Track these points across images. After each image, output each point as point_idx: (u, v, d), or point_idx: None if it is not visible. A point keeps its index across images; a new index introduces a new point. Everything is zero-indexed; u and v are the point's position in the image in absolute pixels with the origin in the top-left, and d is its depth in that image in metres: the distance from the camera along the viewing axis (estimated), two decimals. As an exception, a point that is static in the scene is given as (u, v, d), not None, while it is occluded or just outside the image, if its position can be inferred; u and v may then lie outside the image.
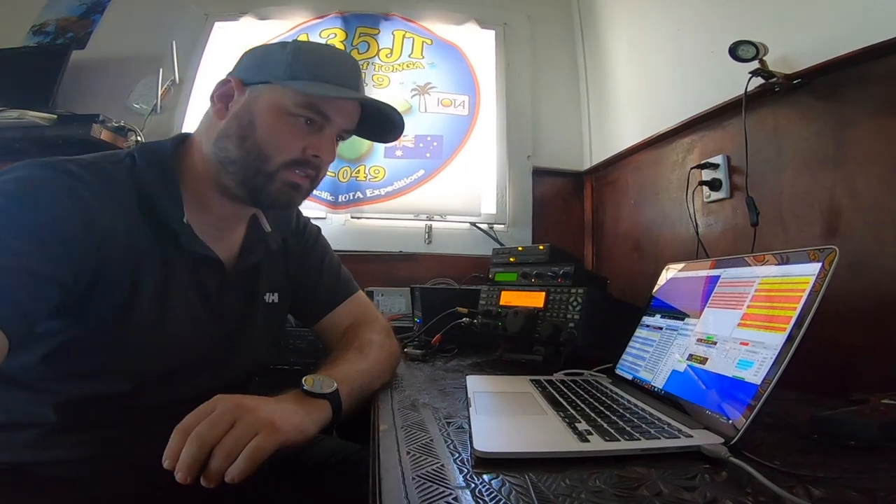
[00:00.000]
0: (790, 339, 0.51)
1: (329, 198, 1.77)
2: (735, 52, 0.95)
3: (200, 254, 0.70)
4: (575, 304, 0.89)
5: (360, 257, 1.76)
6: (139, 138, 1.67)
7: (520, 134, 1.94)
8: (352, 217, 1.80)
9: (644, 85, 1.59)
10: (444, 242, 1.86)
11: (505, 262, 1.12)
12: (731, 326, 0.60)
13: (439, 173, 1.83)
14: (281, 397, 0.59)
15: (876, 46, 0.82)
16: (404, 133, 1.87)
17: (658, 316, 0.77)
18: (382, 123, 0.78)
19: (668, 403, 0.64)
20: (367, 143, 1.82)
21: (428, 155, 1.84)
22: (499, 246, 1.81)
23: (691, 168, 1.21)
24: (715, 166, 1.19)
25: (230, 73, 0.72)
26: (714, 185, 1.18)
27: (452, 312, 1.07)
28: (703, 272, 0.72)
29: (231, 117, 0.69)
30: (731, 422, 0.52)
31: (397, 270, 1.79)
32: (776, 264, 0.58)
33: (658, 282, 0.83)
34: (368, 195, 1.78)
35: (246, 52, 0.74)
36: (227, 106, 0.70)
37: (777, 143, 1.02)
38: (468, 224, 1.88)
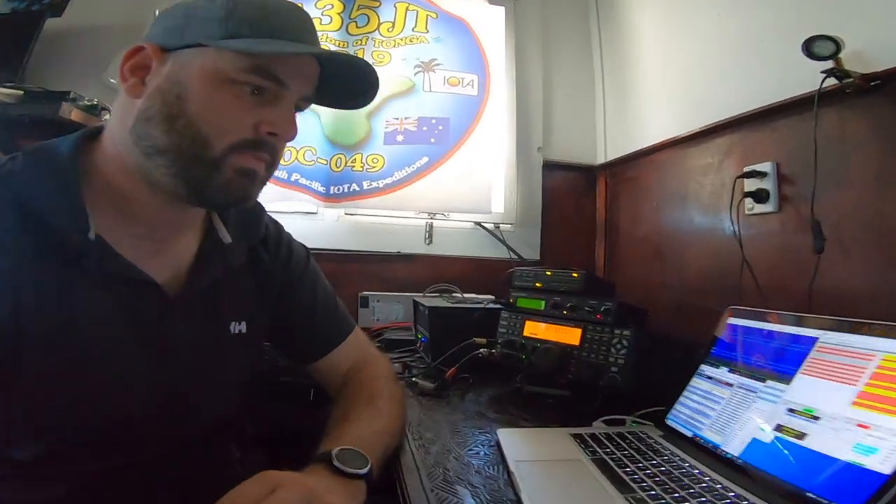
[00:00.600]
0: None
1: (321, 189, 1.63)
2: (810, 48, 0.85)
3: (123, 276, 0.56)
4: (619, 346, 0.81)
5: (352, 257, 1.64)
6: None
7: (530, 123, 1.82)
8: (346, 213, 1.68)
9: (673, 74, 1.48)
10: (445, 243, 1.75)
11: (529, 287, 1.03)
12: (841, 403, 0.51)
13: (445, 162, 1.69)
14: (320, 476, 0.51)
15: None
16: (407, 116, 1.78)
17: (725, 369, 0.69)
18: (349, 84, 0.64)
19: (747, 476, 0.56)
20: (364, 127, 1.68)
21: (432, 140, 1.70)
22: (505, 247, 1.72)
23: (736, 177, 1.12)
24: (762, 174, 1.09)
25: (144, 39, 0.57)
26: (759, 196, 1.09)
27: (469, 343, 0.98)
28: (790, 328, 0.63)
29: (151, 94, 0.55)
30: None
31: (393, 272, 1.68)
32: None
33: (719, 326, 0.74)
34: (365, 188, 1.64)
35: (163, 12, 0.58)
36: (144, 80, 0.55)
37: (841, 153, 0.93)
38: (472, 223, 1.77)
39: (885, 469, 0.45)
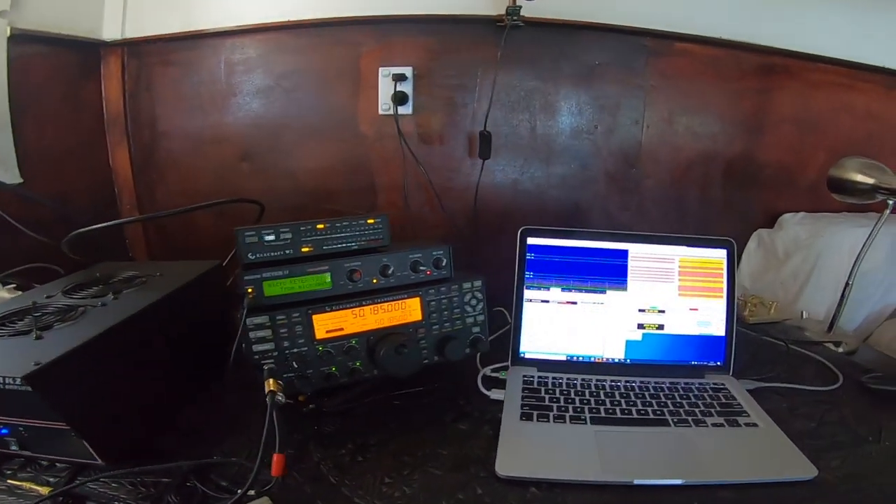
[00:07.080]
0: (730, 300, 0.80)
1: None
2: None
3: None
4: (474, 301, 0.77)
5: None
6: None
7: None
8: None
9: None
10: None
11: (284, 258, 0.68)
12: (671, 297, 0.80)
13: None
14: None
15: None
16: None
17: (557, 289, 0.82)
18: None
19: (640, 371, 0.78)
20: None
21: None
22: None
23: (383, 74, 1.19)
24: (402, 77, 1.17)
25: None
26: (399, 98, 1.18)
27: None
28: (598, 243, 0.82)
29: None
30: (718, 364, 0.80)
31: None
32: (688, 246, 0.82)
33: (520, 249, 0.82)
34: None
35: None
36: None
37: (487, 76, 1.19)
38: None
39: (721, 332, 0.79)
